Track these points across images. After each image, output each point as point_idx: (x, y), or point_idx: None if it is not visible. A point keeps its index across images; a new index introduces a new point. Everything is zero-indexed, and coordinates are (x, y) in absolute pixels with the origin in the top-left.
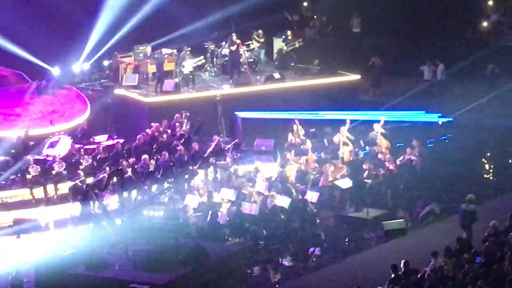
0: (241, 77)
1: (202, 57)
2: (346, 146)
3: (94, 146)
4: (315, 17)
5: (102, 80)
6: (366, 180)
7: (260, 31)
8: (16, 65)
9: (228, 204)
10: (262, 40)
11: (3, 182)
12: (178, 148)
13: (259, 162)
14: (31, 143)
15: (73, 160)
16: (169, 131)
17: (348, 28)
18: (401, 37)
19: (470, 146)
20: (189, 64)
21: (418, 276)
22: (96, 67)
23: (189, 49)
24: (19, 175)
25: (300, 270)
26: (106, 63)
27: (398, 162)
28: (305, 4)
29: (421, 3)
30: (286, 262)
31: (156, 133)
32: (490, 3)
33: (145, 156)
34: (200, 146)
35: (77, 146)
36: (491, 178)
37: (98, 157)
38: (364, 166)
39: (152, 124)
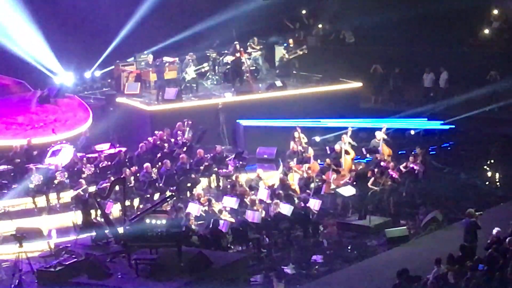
0: (243, 85)
1: (206, 64)
2: (348, 154)
3: (97, 154)
4: (319, 26)
5: (104, 89)
6: (371, 186)
7: (255, 38)
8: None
9: (227, 213)
10: (258, 47)
11: (5, 191)
12: (180, 156)
13: (261, 170)
14: (35, 152)
15: (76, 169)
16: (172, 140)
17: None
18: (403, 45)
19: (472, 153)
20: (191, 71)
21: (421, 283)
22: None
23: (195, 56)
24: (21, 184)
25: (302, 278)
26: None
27: (402, 169)
28: (304, 12)
29: (423, 10)
30: (289, 270)
31: (158, 142)
32: (495, 11)
33: (147, 164)
34: (204, 154)
35: (79, 154)
36: (493, 185)
37: (100, 165)
38: (369, 174)
39: (156, 132)
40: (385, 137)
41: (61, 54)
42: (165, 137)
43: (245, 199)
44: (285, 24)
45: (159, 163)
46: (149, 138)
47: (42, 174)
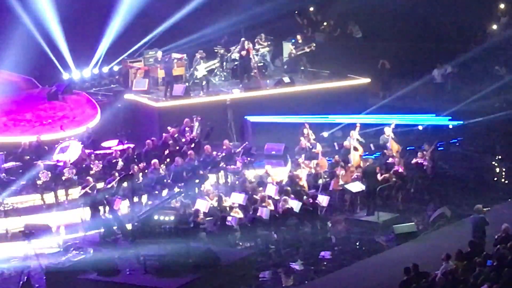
0: (251, 81)
1: (216, 60)
2: (356, 150)
3: (104, 151)
4: (325, 23)
5: (112, 85)
6: (382, 177)
7: (262, 35)
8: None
9: (237, 209)
10: (265, 43)
11: (15, 188)
12: (189, 152)
13: (269, 166)
14: (46, 147)
15: (84, 165)
16: (183, 140)
17: (351, 34)
18: (410, 40)
19: (481, 149)
20: (202, 68)
21: (429, 279)
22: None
23: (204, 54)
24: (29, 180)
25: (311, 274)
26: (116, 68)
27: (418, 161)
28: (312, 8)
29: (431, 5)
30: (297, 266)
31: (170, 140)
32: (502, 6)
33: (154, 160)
34: (211, 150)
35: (87, 151)
36: (501, 181)
37: (113, 161)
38: (377, 170)
39: (169, 128)
40: (392, 135)
41: (70, 50)
42: (177, 136)
43: (254, 196)
44: (294, 19)
45: (167, 160)
46: (164, 134)
47: (50, 171)
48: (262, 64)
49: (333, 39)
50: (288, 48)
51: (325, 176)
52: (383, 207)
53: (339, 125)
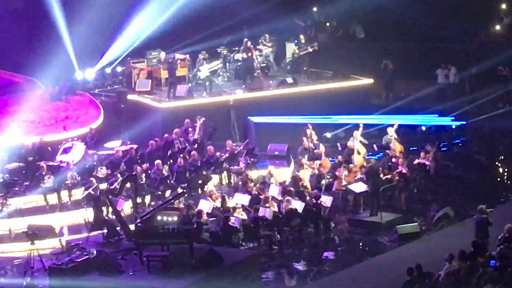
0: (254, 82)
1: (219, 61)
2: (359, 154)
3: (108, 152)
4: (327, 23)
5: (115, 86)
6: (385, 177)
7: (267, 35)
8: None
9: (241, 210)
10: (269, 44)
11: (17, 188)
12: (192, 153)
13: (273, 166)
14: (49, 148)
15: (87, 166)
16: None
17: (354, 34)
18: (413, 41)
19: (484, 149)
20: (205, 69)
21: (433, 280)
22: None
23: (207, 55)
24: (33, 181)
25: (314, 275)
26: (119, 69)
27: (421, 162)
28: (315, 9)
29: (433, 6)
30: (300, 266)
31: (177, 141)
32: (504, 6)
33: (158, 161)
34: (214, 151)
35: (90, 152)
36: (505, 181)
37: (115, 162)
38: (380, 170)
39: (176, 130)
40: (395, 135)
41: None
42: (181, 136)
43: (259, 196)
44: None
45: (170, 160)
46: (166, 135)
47: (53, 174)
48: (265, 64)
49: (336, 39)
50: (291, 48)
51: (328, 177)
52: (386, 207)
53: (344, 127)
